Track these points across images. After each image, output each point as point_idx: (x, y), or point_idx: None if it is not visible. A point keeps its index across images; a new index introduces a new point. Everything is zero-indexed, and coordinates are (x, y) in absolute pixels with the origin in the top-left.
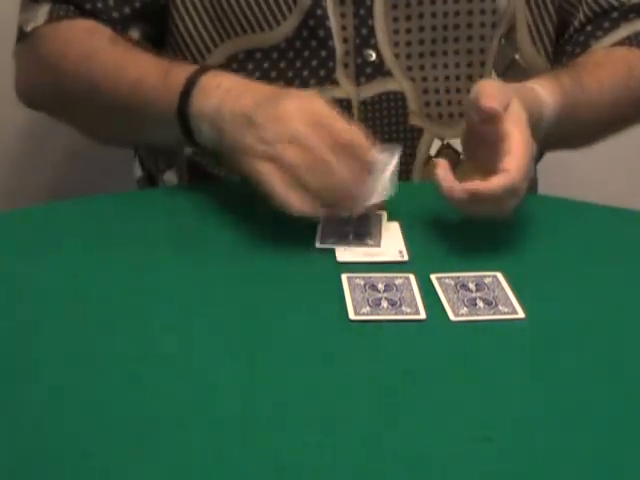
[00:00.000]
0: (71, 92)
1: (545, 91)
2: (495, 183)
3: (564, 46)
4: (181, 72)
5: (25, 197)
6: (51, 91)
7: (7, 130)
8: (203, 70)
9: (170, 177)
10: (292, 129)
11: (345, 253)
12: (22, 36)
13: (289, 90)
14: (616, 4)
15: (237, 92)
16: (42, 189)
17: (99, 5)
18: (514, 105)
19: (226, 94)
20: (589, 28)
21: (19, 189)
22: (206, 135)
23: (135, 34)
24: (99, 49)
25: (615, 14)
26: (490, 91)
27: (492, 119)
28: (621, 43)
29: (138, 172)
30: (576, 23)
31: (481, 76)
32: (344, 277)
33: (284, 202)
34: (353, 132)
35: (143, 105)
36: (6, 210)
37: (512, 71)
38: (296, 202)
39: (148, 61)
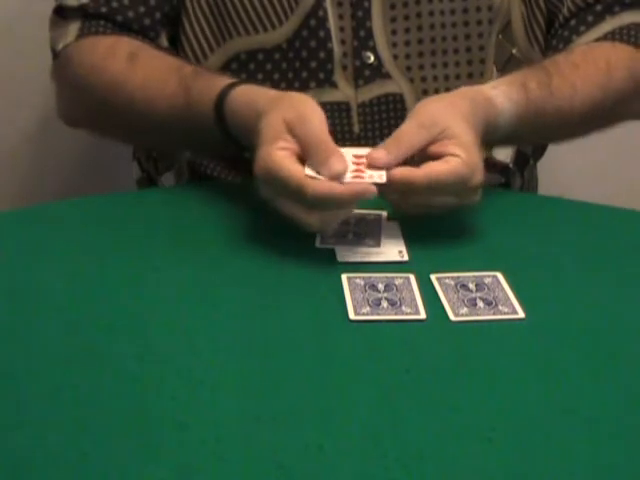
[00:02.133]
0: (104, 117)
1: (504, 98)
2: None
3: (551, 41)
4: (202, 101)
5: (25, 197)
6: (86, 113)
7: (7, 131)
8: (221, 102)
9: (169, 179)
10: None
11: (345, 253)
12: (54, 55)
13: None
14: None
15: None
16: (42, 189)
17: (130, 15)
18: (453, 129)
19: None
20: (573, 22)
21: (19, 189)
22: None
23: (164, 41)
24: (117, 78)
25: (599, 7)
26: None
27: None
28: (605, 38)
29: (138, 174)
30: (561, 17)
31: (481, 73)
32: (344, 277)
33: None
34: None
35: (179, 131)
36: (6, 210)
37: (511, 65)
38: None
39: (164, 95)
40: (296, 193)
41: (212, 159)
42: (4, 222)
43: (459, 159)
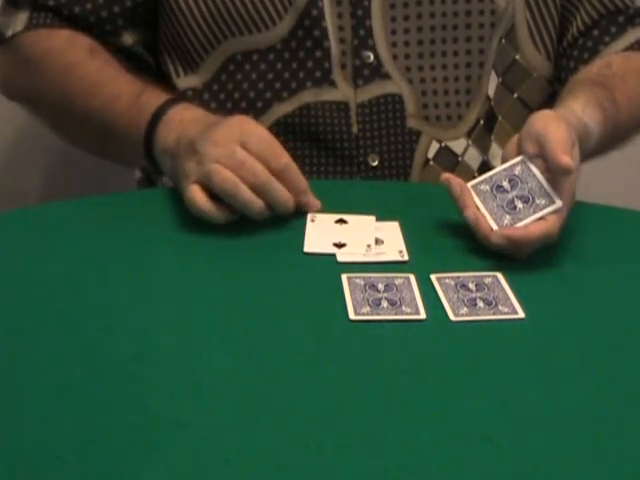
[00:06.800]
0: (47, 101)
1: (594, 123)
2: (534, 232)
3: (570, 50)
4: (150, 101)
5: (25, 197)
6: (28, 95)
7: (7, 131)
8: (171, 103)
9: (168, 180)
10: (230, 151)
11: (345, 253)
12: (1, 40)
13: (232, 116)
14: (621, 6)
15: (190, 123)
16: (42, 189)
17: (76, 10)
18: (574, 152)
19: (183, 127)
20: (596, 33)
21: (18, 189)
22: (168, 167)
23: (128, 40)
24: (77, 63)
25: (621, 18)
26: (563, 145)
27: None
28: (631, 48)
29: (138, 173)
30: (580, 24)
31: (479, 77)
32: (344, 277)
33: (204, 213)
34: (287, 157)
35: (113, 127)
36: (5, 210)
37: (513, 71)
38: (216, 213)
39: (121, 81)
40: (271, 152)
41: None
42: (4, 222)
43: (563, 215)
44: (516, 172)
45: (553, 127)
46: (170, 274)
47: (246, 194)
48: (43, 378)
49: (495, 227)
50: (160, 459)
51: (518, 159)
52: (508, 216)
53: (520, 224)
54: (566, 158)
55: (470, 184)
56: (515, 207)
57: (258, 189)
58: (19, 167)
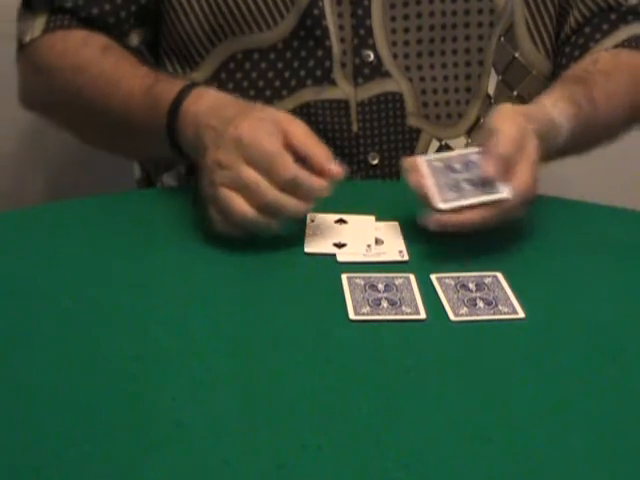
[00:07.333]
0: (65, 104)
1: (564, 119)
2: (466, 220)
3: (562, 47)
4: (163, 94)
5: (25, 197)
6: (47, 101)
7: (8, 131)
8: (184, 93)
9: (168, 180)
10: (234, 174)
11: (345, 253)
12: (21, 47)
13: (241, 116)
14: (614, 4)
15: (205, 115)
16: (42, 189)
17: (94, 12)
18: (529, 146)
19: (198, 120)
20: (587, 30)
21: (19, 189)
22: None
23: (135, 40)
24: (90, 62)
25: (613, 16)
26: (502, 149)
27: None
28: (622, 45)
29: (138, 174)
30: (572, 22)
31: (479, 75)
32: (344, 277)
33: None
34: (292, 169)
35: (131, 124)
36: (6, 210)
37: (513, 69)
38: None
39: (135, 76)
40: (276, 167)
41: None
42: (4, 222)
43: (508, 206)
44: (471, 159)
45: (504, 127)
46: (170, 274)
47: (258, 221)
48: (43, 378)
49: (437, 199)
50: (160, 459)
51: (475, 149)
52: (452, 193)
53: (463, 202)
54: (489, 167)
55: (425, 157)
56: (462, 188)
57: (267, 208)
58: (19, 167)
